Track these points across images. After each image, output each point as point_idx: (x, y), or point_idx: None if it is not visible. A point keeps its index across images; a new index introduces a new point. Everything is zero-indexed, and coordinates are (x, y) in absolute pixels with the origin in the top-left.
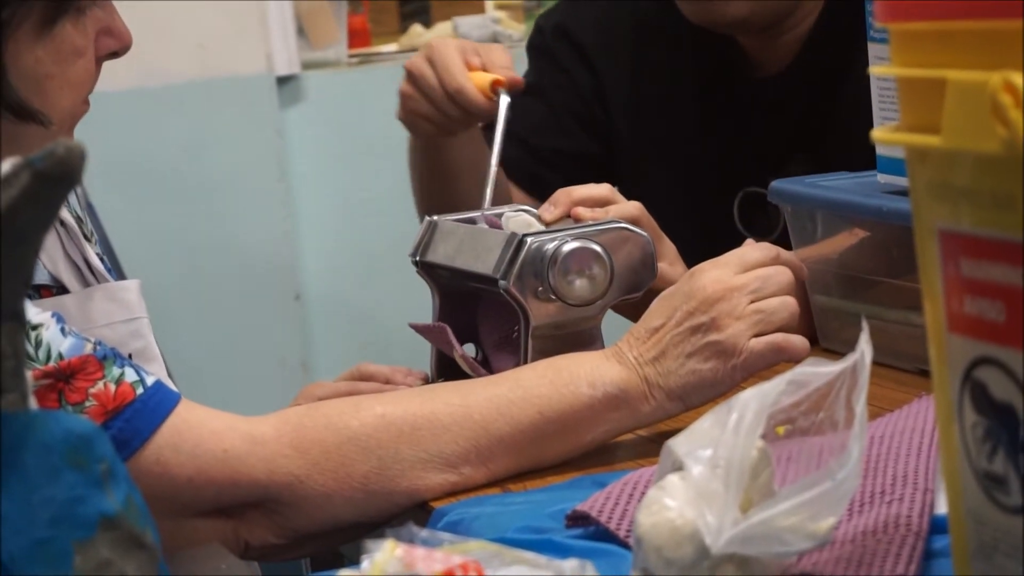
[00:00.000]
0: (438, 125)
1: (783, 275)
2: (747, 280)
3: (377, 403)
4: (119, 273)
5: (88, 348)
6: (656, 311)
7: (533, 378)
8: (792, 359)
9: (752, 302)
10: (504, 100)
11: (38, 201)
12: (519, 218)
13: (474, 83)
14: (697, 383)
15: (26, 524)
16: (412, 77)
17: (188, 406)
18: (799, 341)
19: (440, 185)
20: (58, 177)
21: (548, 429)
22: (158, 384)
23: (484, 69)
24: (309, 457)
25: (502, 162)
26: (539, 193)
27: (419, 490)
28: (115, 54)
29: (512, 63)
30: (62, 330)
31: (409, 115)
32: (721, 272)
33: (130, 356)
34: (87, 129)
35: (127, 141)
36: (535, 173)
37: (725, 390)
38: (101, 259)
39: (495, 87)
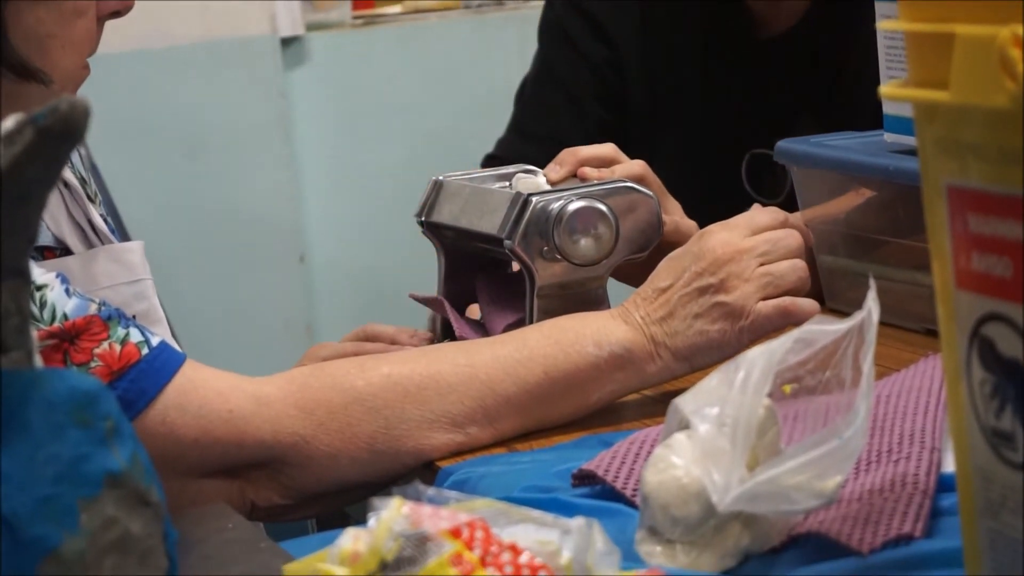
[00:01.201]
0: None
1: (792, 238)
2: (756, 243)
3: (383, 363)
4: (123, 235)
5: (93, 308)
6: (664, 271)
7: (539, 338)
8: (800, 323)
9: (761, 265)
10: None
11: (42, 158)
12: (528, 180)
13: None
14: (704, 344)
15: (30, 481)
16: None
17: (193, 366)
18: (808, 305)
19: None
20: (62, 133)
21: (554, 389)
22: (163, 344)
23: None
24: (315, 417)
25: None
26: None
27: (425, 450)
28: (117, 14)
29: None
30: (67, 291)
31: None
32: (730, 234)
33: (134, 317)
34: (91, 90)
35: (131, 103)
36: None
37: (732, 353)
38: (105, 220)
39: None
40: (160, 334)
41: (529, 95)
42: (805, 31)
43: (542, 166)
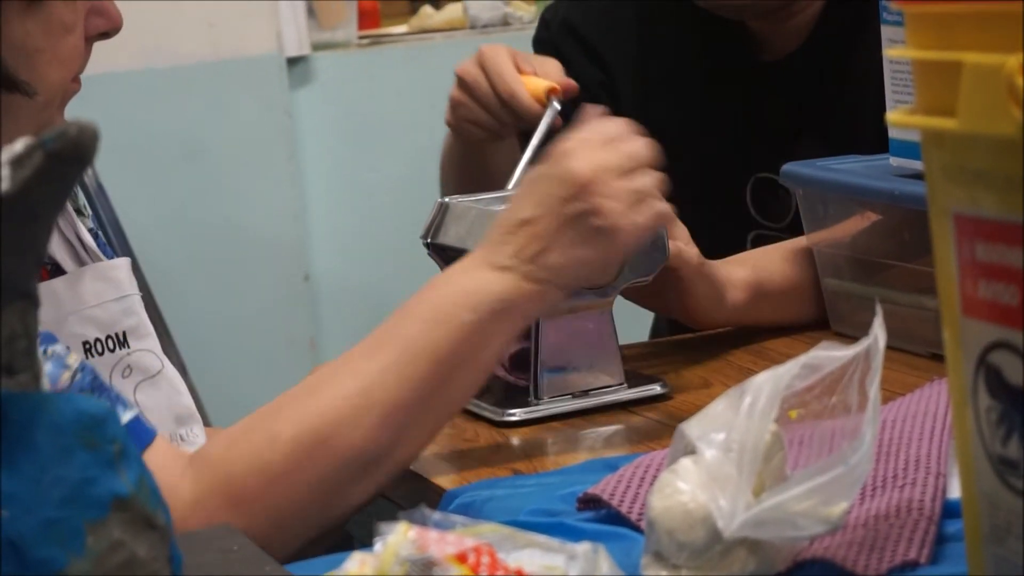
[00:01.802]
0: (489, 130)
1: (643, 145)
2: (617, 159)
3: (285, 425)
4: (123, 249)
5: (65, 378)
6: (525, 200)
7: (414, 327)
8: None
9: (624, 178)
10: (555, 107)
11: (51, 181)
12: None
13: (527, 88)
14: (588, 272)
15: (37, 504)
16: (464, 83)
17: (154, 451)
18: (667, 207)
19: (478, 189)
20: (71, 157)
21: (447, 372)
22: (134, 422)
23: (536, 76)
24: (243, 509)
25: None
26: None
27: (352, 504)
28: (105, 35)
29: (563, 72)
30: (44, 351)
31: (460, 121)
32: (590, 153)
33: (124, 334)
34: (97, 108)
35: (137, 121)
36: None
37: (616, 270)
38: (95, 235)
39: (550, 94)
40: (149, 348)
41: None
42: (807, 54)
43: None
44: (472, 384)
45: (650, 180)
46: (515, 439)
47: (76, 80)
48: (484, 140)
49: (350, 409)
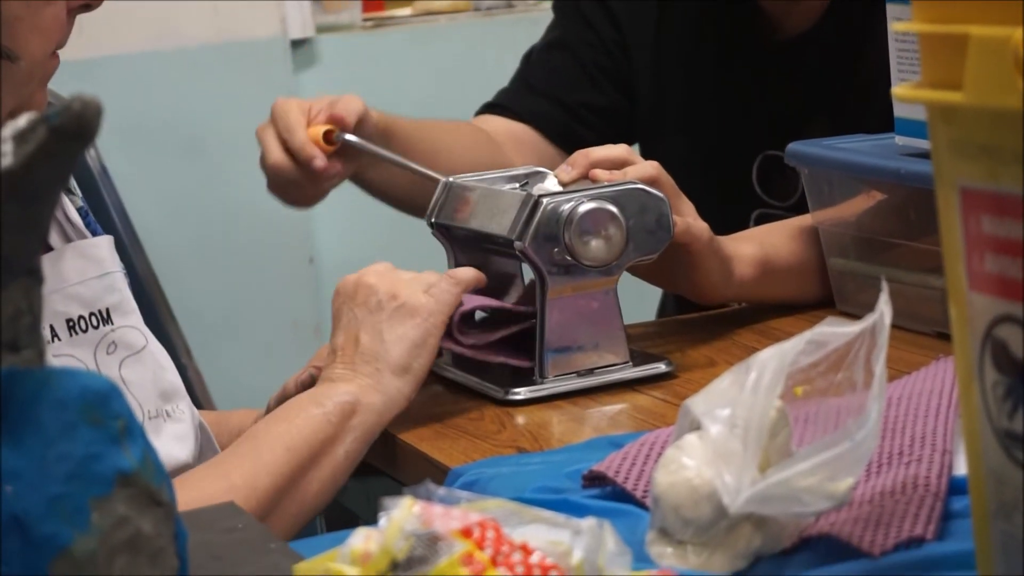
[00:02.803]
0: (303, 189)
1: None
2: (401, 273)
3: None
4: (131, 235)
5: None
6: (332, 337)
7: (267, 423)
8: (469, 285)
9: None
10: (349, 137)
11: (54, 157)
12: (540, 181)
13: (311, 135)
14: (409, 346)
15: (42, 480)
16: (261, 142)
17: None
18: (466, 271)
19: (395, 204)
20: (74, 133)
21: (299, 461)
22: None
23: (331, 120)
24: None
25: (534, 120)
26: (571, 148)
27: None
28: (87, 7)
29: (363, 106)
30: None
31: (275, 188)
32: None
33: (107, 311)
34: (100, 91)
35: (140, 104)
36: (568, 128)
37: (436, 341)
38: (84, 214)
39: (328, 136)
40: (133, 324)
41: (537, 57)
42: (819, 34)
43: (547, 121)
44: (328, 482)
45: (436, 278)
46: (520, 417)
47: (55, 55)
48: (309, 202)
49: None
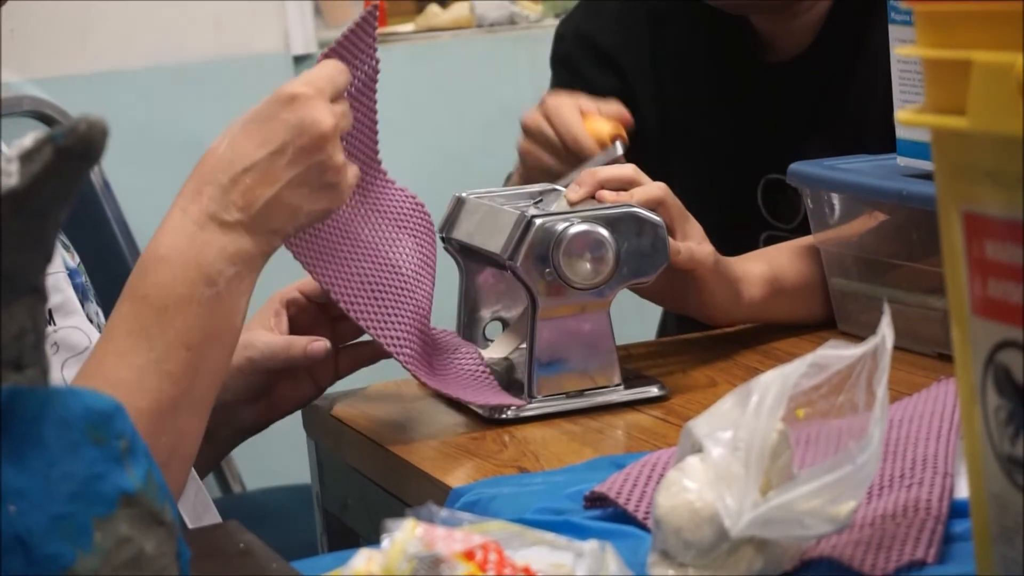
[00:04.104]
0: (558, 174)
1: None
2: (343, 117)
3: None
4: (133, 250)
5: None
6: (252, 142)
7: (157, 317)
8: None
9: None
10: (616, 150)
11: (59, 176)
12: (551, 199)
13: (589, 131)
14: (307, 223)
15: (45, 499)
16: (529, 132)
17: None
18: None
19: None
20: (80, 153)
21: (204, 350)
22: None
23: (599, 116)
24: None
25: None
26: None
27: None
28: None
29: (626, 112)
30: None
31: (530, 169)
32: (326, 106)
33: (49, 311)
34: (104, 106)
35: (143, 119)
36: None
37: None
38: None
39: (614, 138)
40: (77, 325)
41: None
42: (814, 55)
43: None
44: (228, 351)
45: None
46: (521, 437)
47: None
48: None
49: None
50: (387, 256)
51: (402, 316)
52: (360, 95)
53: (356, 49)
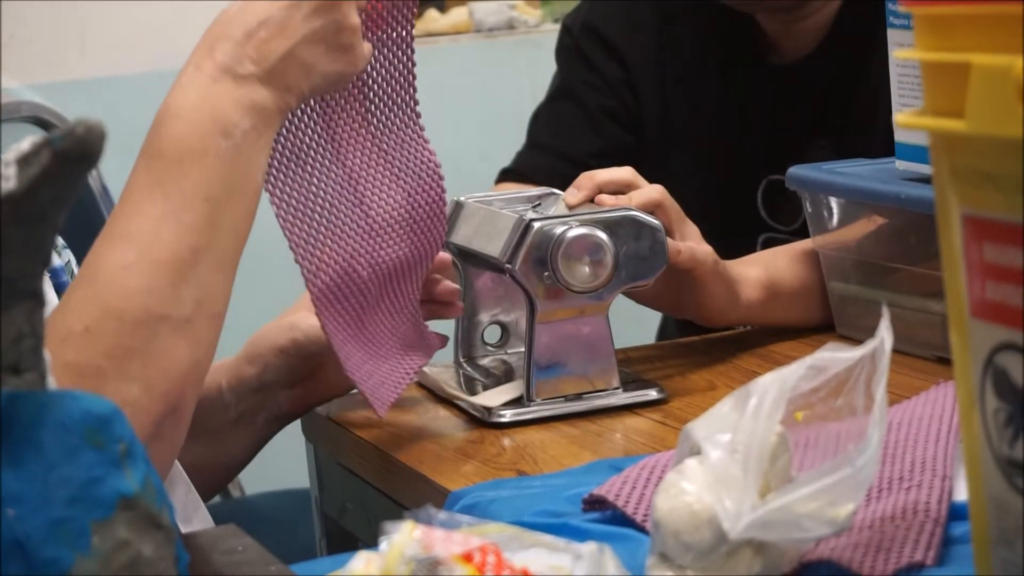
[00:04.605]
0: None
1: None
2: None
3: (74, 319)
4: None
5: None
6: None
7: (172, 170)
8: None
9: None
10: None
11: (57, 180)
12: (550, 203)
13: None
14: (326, 87)
15: (43, 503)
16: None
17: None
18: None
19: None
20: (78, 156)
21: (222, 203)
22: None
23: None
24: None
25: (543, 179)
26: None
27: (184, 370)
28: None
29: None
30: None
31: None
32: None
33: None
34: (102, 112)
35: (142, 124)
36: (568, 177)
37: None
38: None
39: None
40: None
41: (544, 112)
42: (819, 58)
43: (554, 177)
44: (250, 207)
45: None
46: (519, 440)
47: None
48: None
49: (136, 277)
50: (363, 194)
51: (335, 251)
52: (397, 38)
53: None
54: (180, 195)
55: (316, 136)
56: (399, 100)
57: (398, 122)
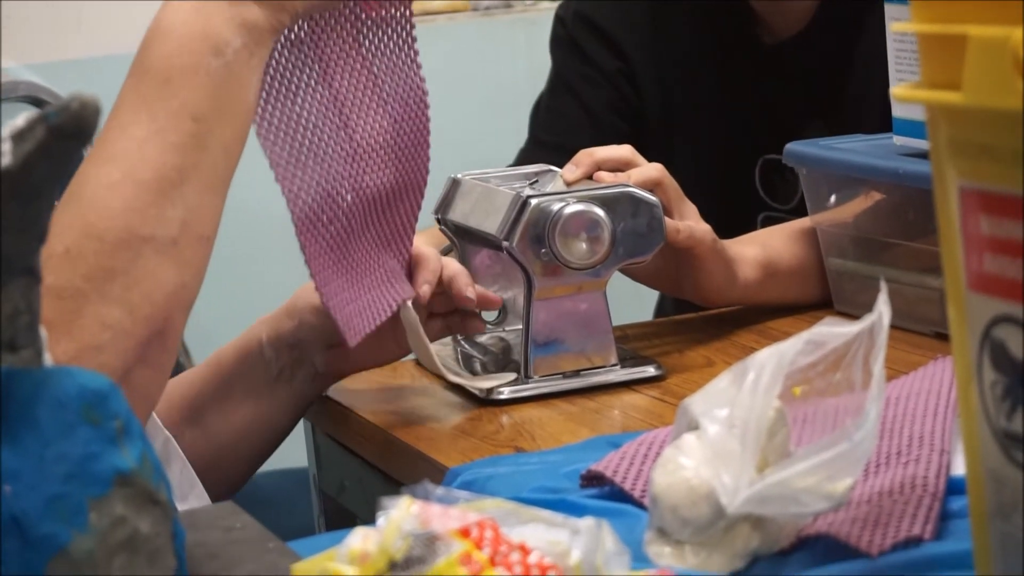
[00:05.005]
0: None
1: None
2: None
3: (55, 241)
4: None
5: None
6: None
7: (160, 89)
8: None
9: None
10: None
11: (52, 156)
12: (548, 180)
13: None
14: (321, 5)
15: (40, 480)
16: None
17: None
18: None
19: None
20: (72, 132)
21: (212, 123)
22: None
23: None
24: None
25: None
26: None
27: (170, 291)
28: None
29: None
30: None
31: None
32: None
33: None
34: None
35: None
36: None
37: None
38: None
39: None
40: None
41: (544, 108)
42: (812, 35)
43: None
44: (241, 129)
45: None
46: (517, 417)
47: None
48: None
49: (119, 197)
50: (348, 117)
51: (318, 173)
52: None
53: None
54: (167, 114)
55: (303, 55)
56: (393, 22)
57: (391, 45)
